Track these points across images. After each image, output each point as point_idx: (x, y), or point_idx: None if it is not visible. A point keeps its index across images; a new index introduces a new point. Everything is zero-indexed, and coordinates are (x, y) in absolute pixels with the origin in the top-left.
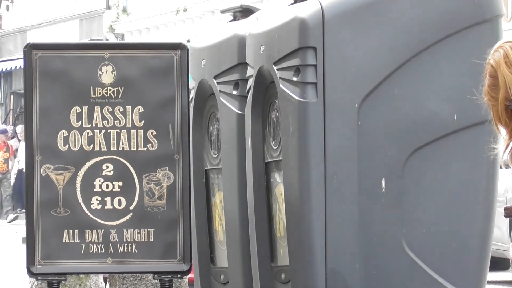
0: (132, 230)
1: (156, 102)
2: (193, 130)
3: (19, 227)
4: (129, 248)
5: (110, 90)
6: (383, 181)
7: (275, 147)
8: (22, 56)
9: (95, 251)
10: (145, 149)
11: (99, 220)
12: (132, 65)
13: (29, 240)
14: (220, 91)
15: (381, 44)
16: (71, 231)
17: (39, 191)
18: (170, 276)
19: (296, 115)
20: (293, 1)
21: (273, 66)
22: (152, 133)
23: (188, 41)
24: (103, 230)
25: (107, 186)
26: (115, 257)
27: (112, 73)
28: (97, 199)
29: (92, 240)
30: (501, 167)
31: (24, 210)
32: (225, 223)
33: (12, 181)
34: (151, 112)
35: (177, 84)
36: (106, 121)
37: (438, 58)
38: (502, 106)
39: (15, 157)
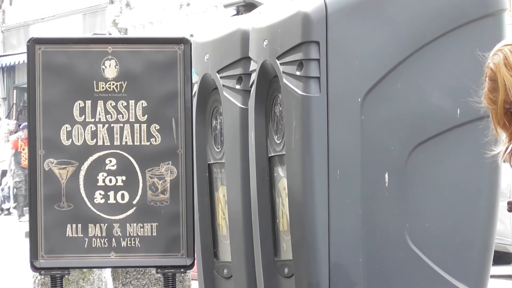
0: (135, 224)
1: (159, 97)
2: (196, 124)
3: (22, 222)
4: (132, 242)
5: (113, 84)
6: (386, 176)
7: (278, 142)
8: (25, 50)
9: (98, 246)
10: (148, 143)
11: (102, 215)
12: (135, 60)
13: (32, 235)
14: (223, 85)
15: (385, 38)
16: (74, 225)
17: (42, 185)
18: (173, 270)
19: (299, 110)
20: None
21: (276, 60)
22: (155, 127)
23: (192, 35)
24: (106, 225)
25: (110, 181)
26: (118, 251)
27: (116, 68)
28: (100, 194)
29: (95, 235)
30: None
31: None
32: (228, 218)
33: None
34: (154, 106)
35: (180, 79)
36: (109, 115)
37: (441, 52)
38: (501, 109)
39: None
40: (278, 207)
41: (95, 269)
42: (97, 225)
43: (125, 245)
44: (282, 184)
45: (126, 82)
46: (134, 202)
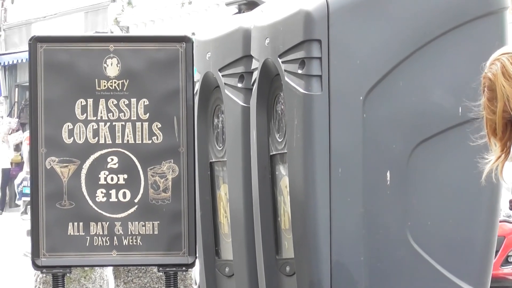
0: (137, 222)
1: (161, 95)
2: (198, 122)
3: (23, 220)
4: (134, 240)
5: (115, 82)
6: (388, 174)
7: (280, 140)
8: (27, 49)
9: (100, 244)
10: (150, 141)
11: (104, 213)
12: (137, 58)
13: (34, 233)
14: (225, 83)
15: (386, 36)
16: (76, 223)
17: (44, 183)
18: (175, 268)
19: (301, 108)
20: None
21: (278, 58)
22: (157, 125)
23: (193, 33)
24: (108, 223)
25: (112, 179)
26: (120, 249)
27: (117, 66)
28: (102, 192)
29: (97, 233)
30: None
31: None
32: (230, 216)
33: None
34: (156, 104)
35: (182, 77)
36: (111, 113)
37: (443, 50)
38: (500, 119)
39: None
40: (279, 205)
41: (96, 268)
42: (99, 223)
43: (126, 244)
44: (284, 182)
45: (128, 81)
46: (136, 201)
